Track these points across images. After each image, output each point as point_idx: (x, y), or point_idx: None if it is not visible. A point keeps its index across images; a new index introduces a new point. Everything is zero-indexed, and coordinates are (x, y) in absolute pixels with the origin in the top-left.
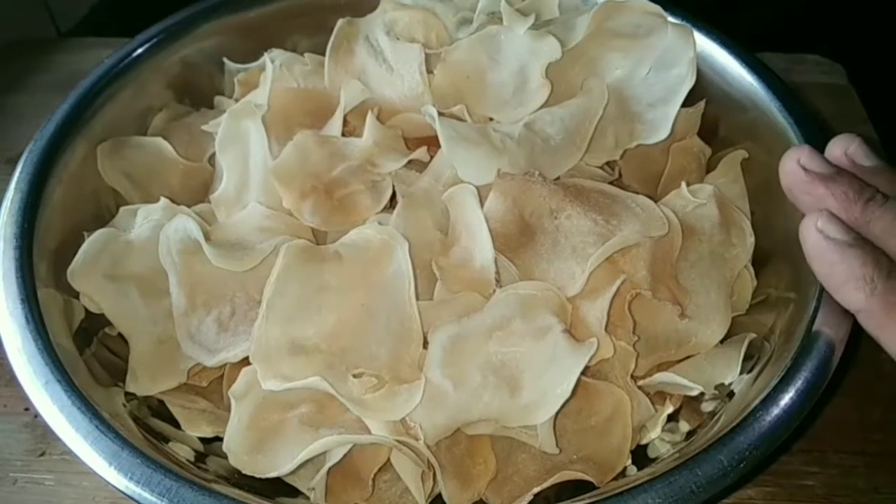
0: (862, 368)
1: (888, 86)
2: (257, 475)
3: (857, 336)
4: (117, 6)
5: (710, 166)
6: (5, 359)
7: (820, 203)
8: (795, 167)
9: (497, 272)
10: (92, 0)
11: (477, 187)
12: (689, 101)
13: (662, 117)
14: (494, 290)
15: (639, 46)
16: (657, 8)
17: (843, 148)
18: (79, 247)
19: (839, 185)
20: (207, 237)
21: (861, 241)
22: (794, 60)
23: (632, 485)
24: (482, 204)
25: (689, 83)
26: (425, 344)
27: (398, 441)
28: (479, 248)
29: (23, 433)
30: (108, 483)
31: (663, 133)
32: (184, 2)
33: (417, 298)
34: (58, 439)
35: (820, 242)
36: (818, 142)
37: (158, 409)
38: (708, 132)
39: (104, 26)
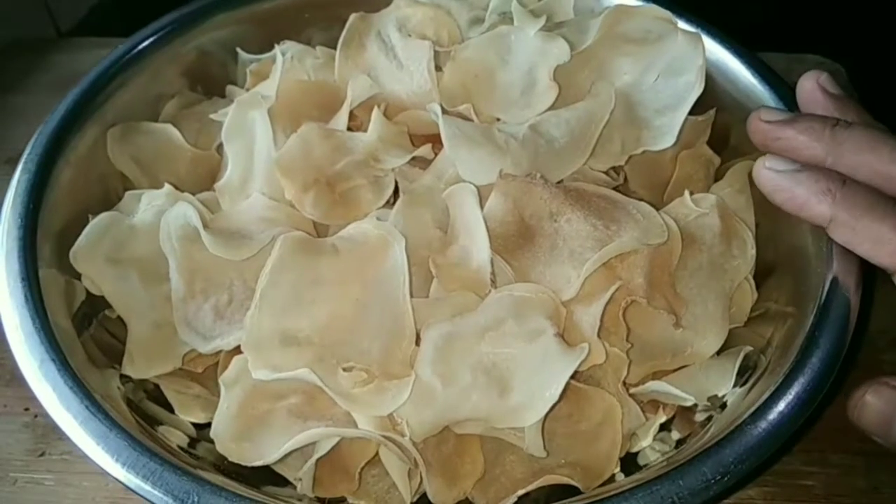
0: (862, 369)
1: (888, 86)
2: (243, 463)
3: (858, 340)
4: (117, 6)
5: (720, 176)
6: (5, 359)
7: (791, 142)
8: (760, 124)
9: (493, 273)
10: (92, 0)
11: (478, 187)
12: (700, 110)
13: (669, 124)
14: (490, 291)
15: (648, 52)
16: (667, 13)
17: (813, 79)
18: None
19: (804, 121)
20: (206, 225)
21: (808, 166)
22: (794, 60)
23: (613, 492)
24: (483, 204)
25: (697, 90)
26: (418, 341)
27: (383, 436)
28: (477, 247)
29: (23, 433)
30: (95, 463)
31: (669, 140)
32: (184, 2)
33: (412, 295)
34: (58, 439)
35: (772, 176)
36: None
37: (154, 393)
38: (719, 141)
39: (104, 26)
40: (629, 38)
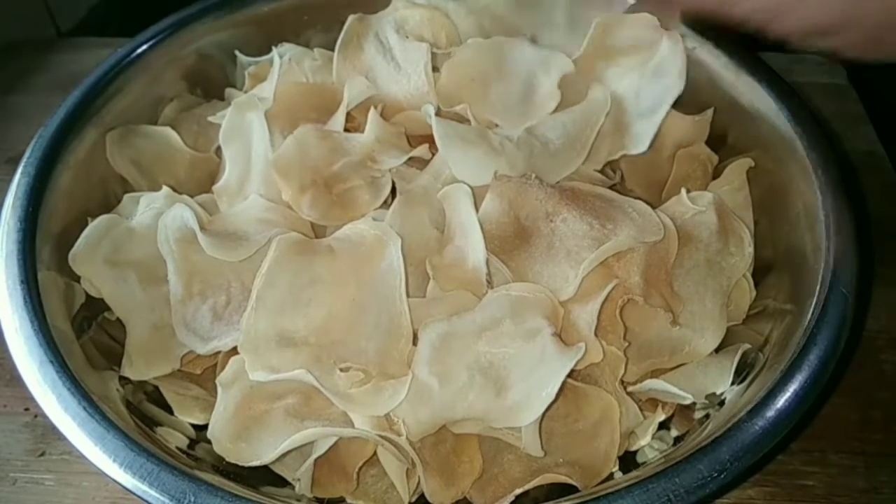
0: (861, 369)
1: (888, 86)
2: (240, 463)
3: (856, 338)
4: (117, 6)
5: (718, 174)
6: (5, 359)
7: None
8: None
9: (489, 273)
10: (92, 0)
11: (473, 188)
12: (698, 109)
13: (646, 130)
14: (486, 291)
15: (637, 60)
16: (655, 21)
17: None
18: None
19: None
20: (204, 227)
21: None
22: (794, 60)
23: (610, 490)
24: (479, 205)
25: (676, 92)
26: (415, 341)
27: (380, 436)
28: (472, 248)
29: (23, 433)
30: (93, 464)
31: (643, 146)
32: (183, 2)
33: (409, 295)
34: (58, 439)
35: None
36: (826, 153)
37: (154, 394)
38: (717, 140)
39: (104, 26)
40: (619, 49)
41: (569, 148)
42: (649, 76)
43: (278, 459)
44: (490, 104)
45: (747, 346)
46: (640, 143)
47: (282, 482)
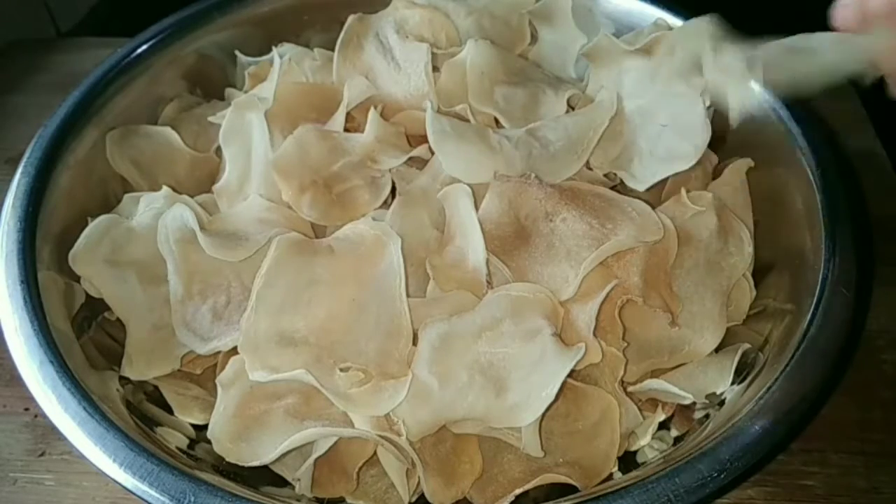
0: (862, 369)
1: None
2: (240, 463)
3: (856, 338)
4: (117, 6)
5: (718, 174)
6: (5, 359)
7: None
8: None
9: (489, 273)
10: (92, 0)
11: (473, 188)
12: None
13: (650, 174)
14: (486, 291)
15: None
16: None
17: None
18: None
19: None
20: (204, 227)
21: None
22: None
23: (610, 489)
24: (479, 205)
25: (685, 166)
26: (416, 341)
27: (380, 436)
28: (472, 248)
29: (23, 433)
30: (93, 464)
31: (642, 186)
32: (183, 2)
33: (409, 295)
34: (58, 439)
35: None
36: (826, 153)
37: (154, 394)
38: (717, 140)
39: (104, 26)
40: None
41: (569, 150)
42: (674, 126)
43: (278, 459)
44: (494, 101)
45: (747, 346)
46: (640, 182)
47: (282, 482)
